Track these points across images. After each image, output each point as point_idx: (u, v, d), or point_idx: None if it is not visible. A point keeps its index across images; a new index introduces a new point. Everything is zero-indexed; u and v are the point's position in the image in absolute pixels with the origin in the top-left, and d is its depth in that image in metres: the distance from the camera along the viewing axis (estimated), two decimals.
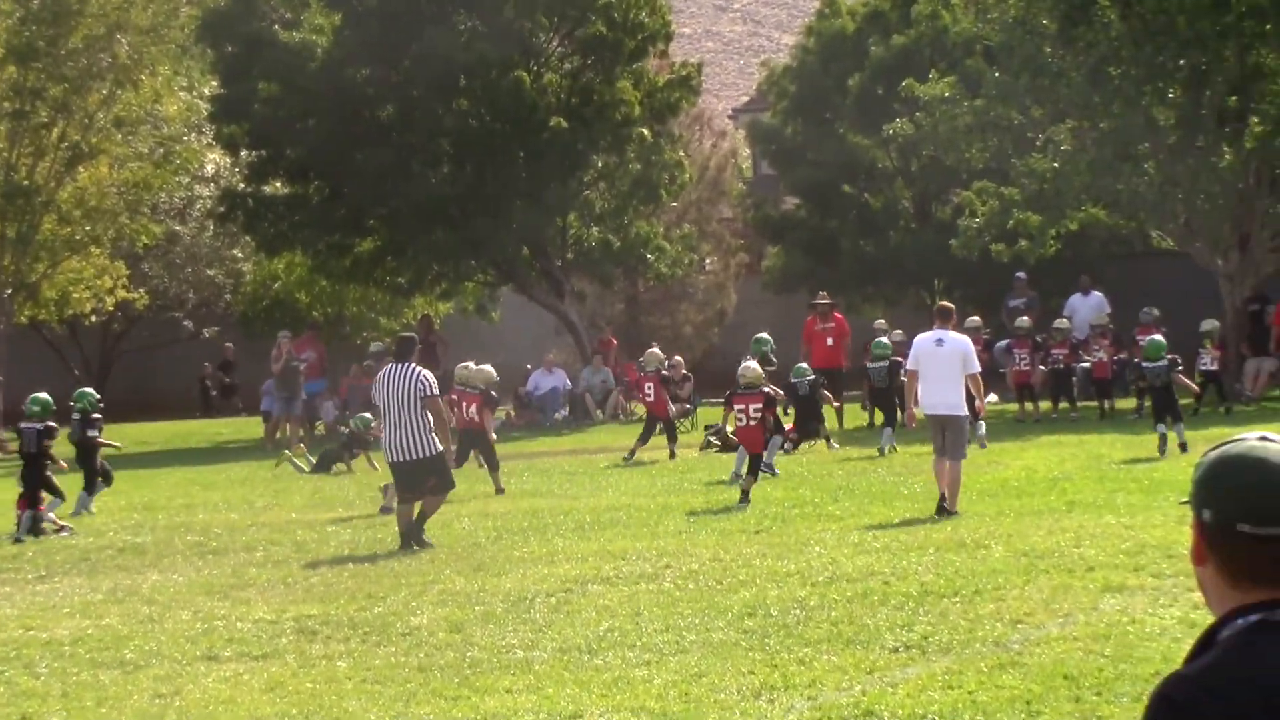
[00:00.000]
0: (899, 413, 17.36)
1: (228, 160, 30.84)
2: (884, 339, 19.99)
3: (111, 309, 29.82)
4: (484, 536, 12.90)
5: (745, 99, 41.63)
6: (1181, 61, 21.21)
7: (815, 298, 24.07)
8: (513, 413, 25.62)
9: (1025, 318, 22.65)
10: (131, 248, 30.36)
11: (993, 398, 21.71)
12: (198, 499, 17.25)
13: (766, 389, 14.93)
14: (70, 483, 15.94)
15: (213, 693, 7.88)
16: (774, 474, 15.95)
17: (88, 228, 27.77)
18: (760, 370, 15.36)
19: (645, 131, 26.10)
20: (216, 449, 25.13)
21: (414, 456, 12.61)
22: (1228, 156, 21.80)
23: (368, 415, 21.00)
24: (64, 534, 14.73)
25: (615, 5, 25.66)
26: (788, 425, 18.53)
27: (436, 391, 12.84)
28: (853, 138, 28.05)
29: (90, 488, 16.34)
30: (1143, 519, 11.30)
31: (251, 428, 26.95)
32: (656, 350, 21.12)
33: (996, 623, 8.23)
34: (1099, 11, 21.54)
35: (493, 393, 17.33)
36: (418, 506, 12.80)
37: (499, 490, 16.17)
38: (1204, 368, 20.90)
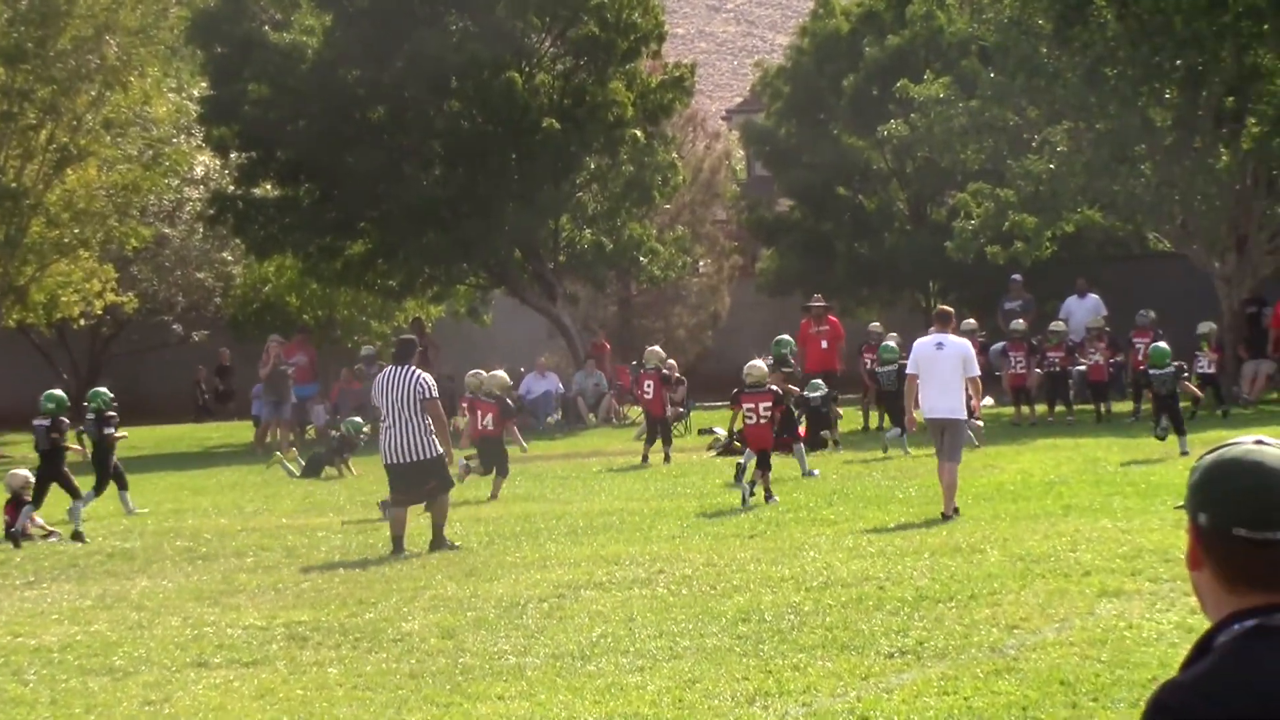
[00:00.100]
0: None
1: (217, 162, 30.77)
2: (892, 343, 19.91)
3: (100, 312, 29.64)
4: (476, 541, 12.84)
5: (739, 100, 41.57)
6: (1178, 62, 21.12)
7: (810, 300, 24.00)
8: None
9: (1020, 320, 22.58)
10: (120, 251, 30.23)
11: (988, 401, 21.60)
12: (187, 504, 17.18)
13: (774, 387, 14.93)
14: (82, 484, 15.87)
15: (203, 700, 7.85)
16: (813, 475, 15.97)
17: (76, 230, 27.59)
18: (765, 368, 15.34)
19: (638, 133, 26.04)
20: (206, 453, 25.00)
21: (413, 459, 12.56)
22: (1225, 157, 21.74)
23: (358, 419, 20.97)
24: (52, 540, 14.67)
25: (608, 5, 25.58)
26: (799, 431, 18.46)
27: (436, 394, 12.81)
28: (847, 139, 28.01)
29: (99, 489, 16.36)
30: (1139, 523, 11.26)
31: (241, 432, 26.91)
32: (658, 349, 21.04)
33: (992, 628, 8.19)
34: (1095, 12, 21.47)
35: (509, 400, 17.31)
36: (409, 517, 12.66)
37: (494, 496, 16.05)
38: (1201, 370, 20.84)
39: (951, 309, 14.28)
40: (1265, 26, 21.17)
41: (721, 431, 22.68)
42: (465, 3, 25.75)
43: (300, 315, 29.76)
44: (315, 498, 17.30)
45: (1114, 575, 9.35)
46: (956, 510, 12.54)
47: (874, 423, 22.06)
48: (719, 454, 19.43)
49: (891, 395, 19.33)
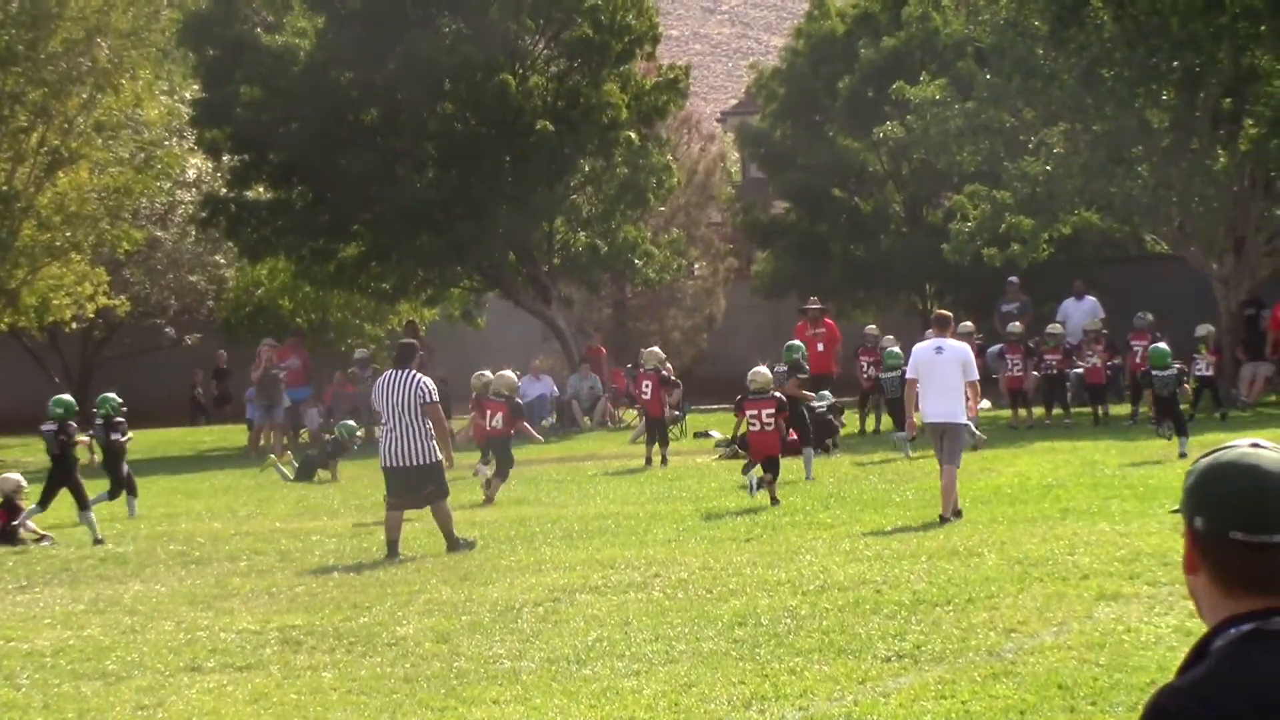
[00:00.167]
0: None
1: (210, 165, 30.70)
2: (895, 349, 19.84)
3: (92, 316, 29.51)
4: (463, 539, 12.72)
5: (734, 102, 41.50)
6: (1175, 63, 21.10)
7: (805, 303, 23.96)
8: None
9: (1017, 323, 22.52)
10: (112, 254, 30.11)
11: (985, 404, 21.52)
12: (180, 508, 17.12)
13: (777, 394, 14.89)
14: (93, 487, 15.92)
15: (196, 704, 7.82)
16: (809, 479, 15.89)
17: (68, 234, 27.45)
18: (769, 375, 15.32)
19: (632, 135, 25.97)
20: (199, 457, 24.89)
21: (412, 464, 12.54)
22: (1222, 159, 21.71)
23: (351, 423, 20.90)
24: (45, 543, 14.61)
25: (602, 7, 25.51)
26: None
27: (437, 398, 12.80)
28: (843, 141, 27.96)
29: (113, 493, 16.38)
30: (1138, 526, 11.23)
31: (234, 436, 26.84)
32: (657, 350, 21.02)
33: (990, 631, 8.16)
34: (1091, 13, 21.45)
35: (518, 399, 17.33)
36: (404, 525, 12.60)
37: (488, 501, 15.97)
38: (1199, 373, 20.79)
39: (950, 313, 14.30)
40: (1262, 28, 21.14)
41: (717, 434, 22.61)
42: (458, 4, 25.66)
43: (293, 318, 29.68)
44: (309, 501, 17.27)
45: (1112, 578, 9.32)
46: (959, 513, 12.52)
47: (870, 426, 22.01)
48: (722, 457, 19.30)
49: (894, 402, 19.29)
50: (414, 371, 12.86)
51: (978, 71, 23.24)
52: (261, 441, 24.34)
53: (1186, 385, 17.58)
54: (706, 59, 46.88)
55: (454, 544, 12.52)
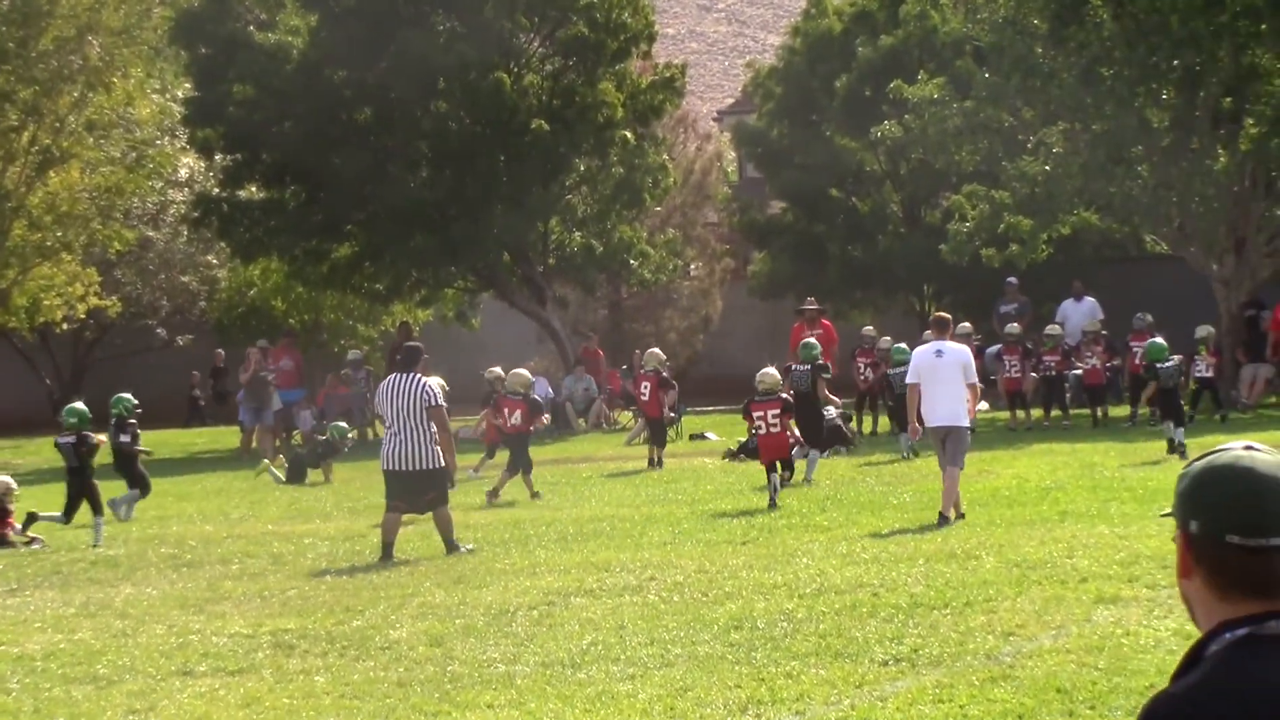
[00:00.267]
0: None
1: (202, 164, 30.58)
2: (902, 345, 19.68)
3: (83, 316, 29.36)
4: (461, 544, 12.70)
5: (730, 101, 41.41)
6: (1175, 62, 21.03)
7: (802, 304, 23.86)
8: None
9: (1015, 324, 22.42)
10: (104, 254, 30.00)
11: (983, 405, 21.39)
12: (172, 510, 17.05)
13: (784, 395, 14.87)
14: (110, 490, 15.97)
15: (188, 709, 7.79)
16: (809, 483, 15.74)
17: (59, 233, 27.32)
18: (778, 375, 15.32)
19: (628, 134, 25.88)
20: (191, 459, 24.76)
21: (414, 468, 12.49)
22: (1222, 159, 21.65)
23: (343, 424, 20.82)
24: (35, 546, 14.54)
25: (597, 5, 25.41)
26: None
27: (442, 402, 12.78)
28: (840, 140, 27.87)
29: (143, 489, 16.53)
30: (1137, 529, 11.19)
31: (226, 438, 26.73)
32: (657, 351, 21.03)
33: (988, 635, 8.14)
34: (1091, 11, 21.39)
35: (535, 396, 17.44)
36: (400, 528, 12.46)
37: (532, 494, 16.27)
38: (1199, 374, 20.72)
39: (949, 315, 14.27)
40: (1263, 26, 21.08)
41: (713, 435, 22.49)
42: (452, 3, 25.56)
43: (286, 319, 29.61)
44: (301, 504, 17.25)
45: (1111, 582, 9.29)
46: (961, 515, 12.46)
47: (867, 428, 21.89)
48: (727, 459, 19.18)
49: (903, 398, 19.14)
50: (419, 375, 12.81)
51: (976, 70, 23.16)
52: (253, 444, 24.21)
53: (1184, 379, 17.64)
54: (703, 57, 46.77)
55: (452, 549, 12.48)
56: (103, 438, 15.57)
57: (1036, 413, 21.50)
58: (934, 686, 7.13)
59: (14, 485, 15.38)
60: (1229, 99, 21.61)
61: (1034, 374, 21.55)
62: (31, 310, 28.36)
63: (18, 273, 27.52)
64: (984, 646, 7.88)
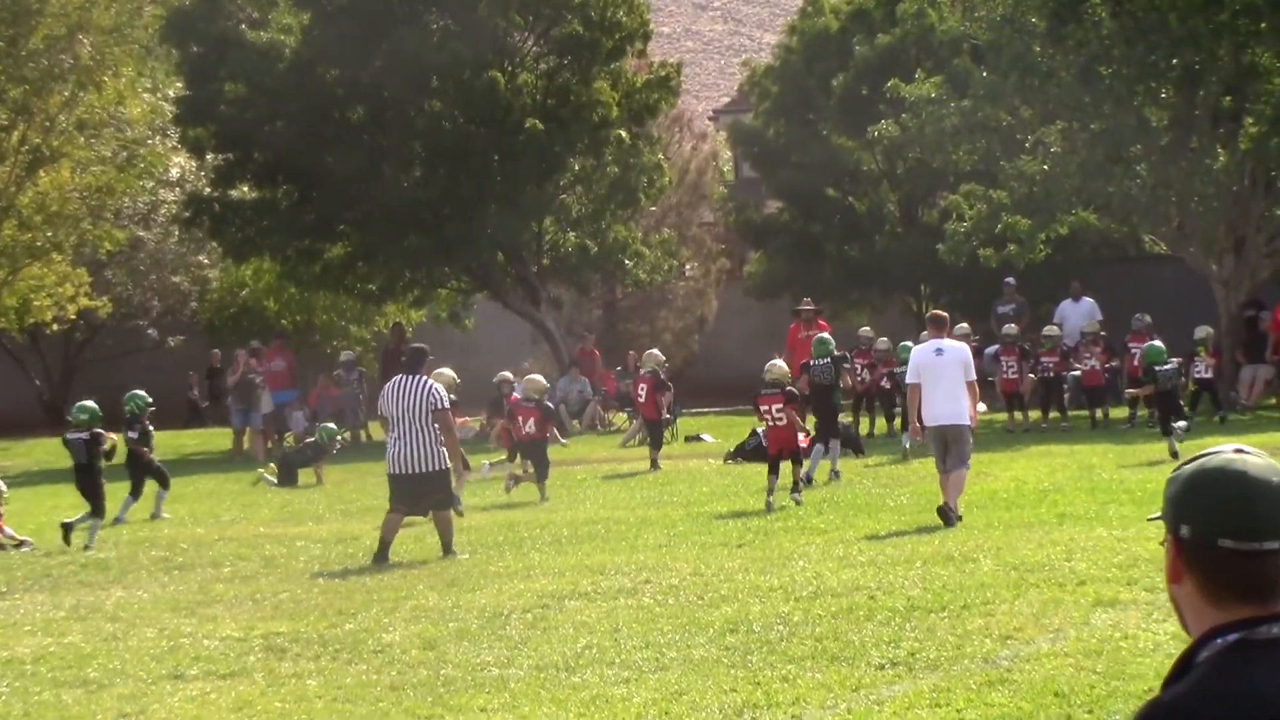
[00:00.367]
0: None
1: (193, 164, 30.51)
2: (908, 344, 19.54)
3: (73, 317, 29.22)
4: (457, 550, 12.64)
5: (726, 100, 41.31)
6: (1174, 60, 20.96)
7: (799, 304, 23.72)
8: (486, 423, 25.01)
9: (1012, 325, 22.30)
10: (94, 254, 29.89)
11: (981, 407, 21.26)
12: (163, 512, 16.89)
13: (789, 387, 14.77)
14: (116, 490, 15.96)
15: (179, 712, 7.77)
16: (809, 482, 15.56)
17: (49, 233, 27.20)
18: (785, 368, 15.19)
19: (623, 133, 25.78)
20: (183, 461, 24.56)
21: (419, 470, 12.45)
22: (1222, 158, 21.59)
23: (332, 425, 20.73)
24: (24, 549, 14.47)
25: (592, 4, 25.33)
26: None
27: (448, 404, 12.76)
28: (837, 139, 27.79)
29: (164, 484, 16.57)
30: (1135, 531, 11.14)
31: (217, 439, 26.63)
32: (655, 352, 21.02)
33: (985, 638, 8.11)
34: (1089, 9, 21.33)
35: (548, 402, 17.49)
36: (401, 531, 12.47)
37: (542, 497, 16.25)
38: (1199, 375, 20.63)
39: (945, 314, 14.17)
40: (1262, 25, 21.04)
41: (709, 438, 22.35)
42: (446, 1, 25.43)
43: (278, 320, 29.53)
44: (293, 507, 17.21)
45: (1109, 585, 9.26)
46: (959, 517, 12.37)
47: (864, 429, 21.74)
48: (728, 461, 19.08)
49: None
50: (424, 377, 12.76)
51: (974, 69, 23.06)
52: (245, 446, 24.12)
53: (1183, 380, 17.61)
54: (698, 56, 46.68)
55: (449, 553, 12.43)
56: (115, 436, 15.50)
57: (1034, 414, 21.43)
58: (931, 690, 7.10)
59: (3, 488, 15.30)
60: (1228, 98, 21.55)
61: (1032, 375, 21.45)
62: (21, 311, 28.23)
63: (7, 273, 27.39)
64: (981, 650, 7.84)
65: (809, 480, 15.50)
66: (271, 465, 21.19)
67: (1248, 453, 2.21)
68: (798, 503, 14.11)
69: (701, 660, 8.02)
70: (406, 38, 24.66)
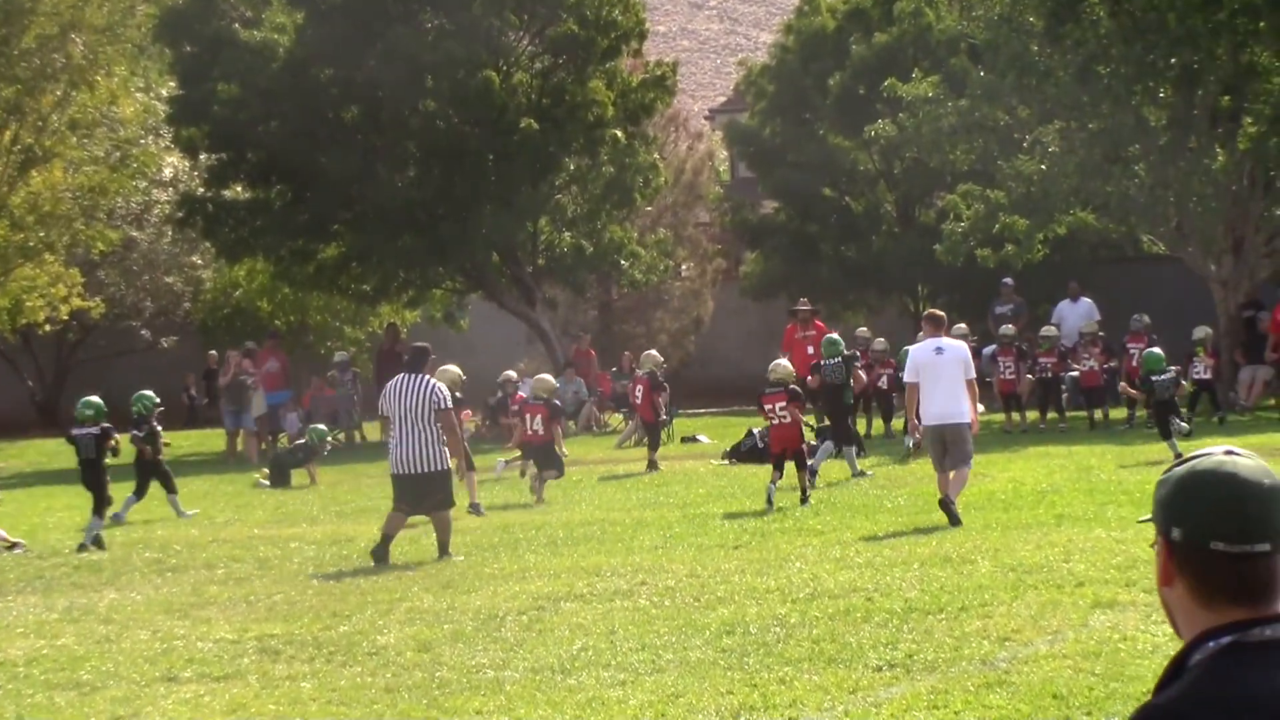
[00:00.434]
0: None
1: (186, 164, 30.39)
2: (910, 347, 19.45)
3: (66, 318, 29.09)
4: (453, 552, 12.61)
5: (722, 99, 41.23)
6: (1173, 60, 20.90)
7: (795, 304, 23.64)
8: (482, 424, 24.90)
9: (1010, 325, 22.24)
10: (87, 254, 29.78)
11: (981, 408, 21.21)
12: (156, 514, 16.92)
13: (792, 386, 14.77)
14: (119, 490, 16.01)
15: (172, 715, 7.76)
16: (814, 475, 15.50)
17: (41, 234, 27.10)
18: (789, 367, 15.21)
19: (619, 133, 25.74)
20: (176, 462, 24.39)
21: (421, 470, 12.44)
22: (1221, 158, 21.56)
23: (322, 427, 20.69)
24: (17, 550, 14.44)
25: (587, 3, 25.31)
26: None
27: (451, 404, 12.74)
28: (833, 139, 27.76)
29: (170, 488, 16.58)
30: (1134, 533, 11.07)
31: (211, 441, 26.57)
32: (653, 353, 21.02)
33: (983, 640, 8.09)
34: (1087, 8, 21.29)
35: (556, 402, 17.48)
36: (400, 532, 12.48)
37: (539, 499, 16.12)
38: (1197, 376, 20.57)
39: (943, 313, 14.16)
40: (1261, 24, 20.99)
41: (705, 439, 22.28)
42: (441, 0, 25.27)
43: (272, 320, 29.49)
44: (287, 508, 17.20)
45: (1108, 586, 9.23)
46: (959, 519, 12.28)
47: (862, 429, 21.64)
48: (727, 461, 19.01)
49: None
50: (427, 376, 12.75)
51: (971, 68, 23.01)
52: (239, 447, 24.05)
53: (1183, 383, 17.54)
54: (694, 55, 46.62)
55: (444, 554, 12.40)
56: (119, 436, 15.48)
57: (1032, 415, 21.40)
58: (929, 692, 7.08)
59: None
60: (1227, 97, 21.51)
61: (1030, 376, 21.40)
62: (14, 311, 28.10)
63: (0, 274, 27.25)
64: (979, 652, 7.83)
65: (813, 474, 15.45)
66: (265, 470, 21.12)
67: (1238, 454, 2.20)
68: (769, 508, 13.99)
69: (698, 662, 7.99)
70: (401, 37, 24.59)
